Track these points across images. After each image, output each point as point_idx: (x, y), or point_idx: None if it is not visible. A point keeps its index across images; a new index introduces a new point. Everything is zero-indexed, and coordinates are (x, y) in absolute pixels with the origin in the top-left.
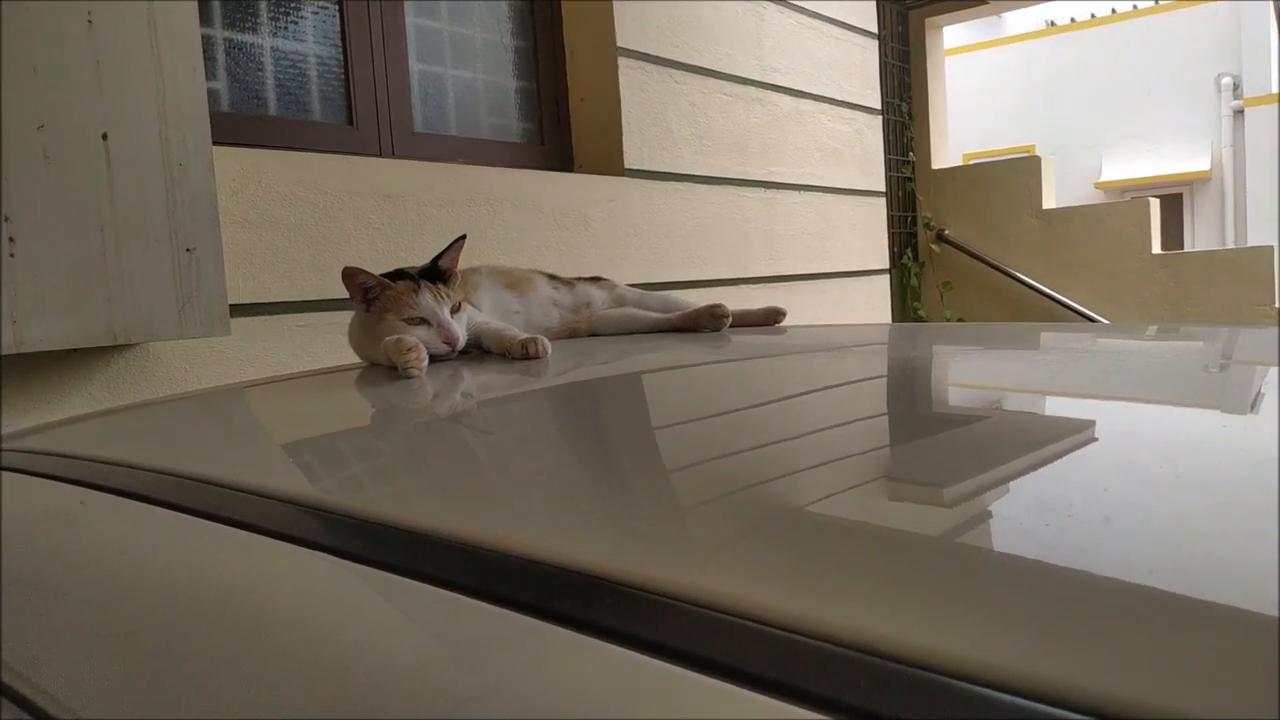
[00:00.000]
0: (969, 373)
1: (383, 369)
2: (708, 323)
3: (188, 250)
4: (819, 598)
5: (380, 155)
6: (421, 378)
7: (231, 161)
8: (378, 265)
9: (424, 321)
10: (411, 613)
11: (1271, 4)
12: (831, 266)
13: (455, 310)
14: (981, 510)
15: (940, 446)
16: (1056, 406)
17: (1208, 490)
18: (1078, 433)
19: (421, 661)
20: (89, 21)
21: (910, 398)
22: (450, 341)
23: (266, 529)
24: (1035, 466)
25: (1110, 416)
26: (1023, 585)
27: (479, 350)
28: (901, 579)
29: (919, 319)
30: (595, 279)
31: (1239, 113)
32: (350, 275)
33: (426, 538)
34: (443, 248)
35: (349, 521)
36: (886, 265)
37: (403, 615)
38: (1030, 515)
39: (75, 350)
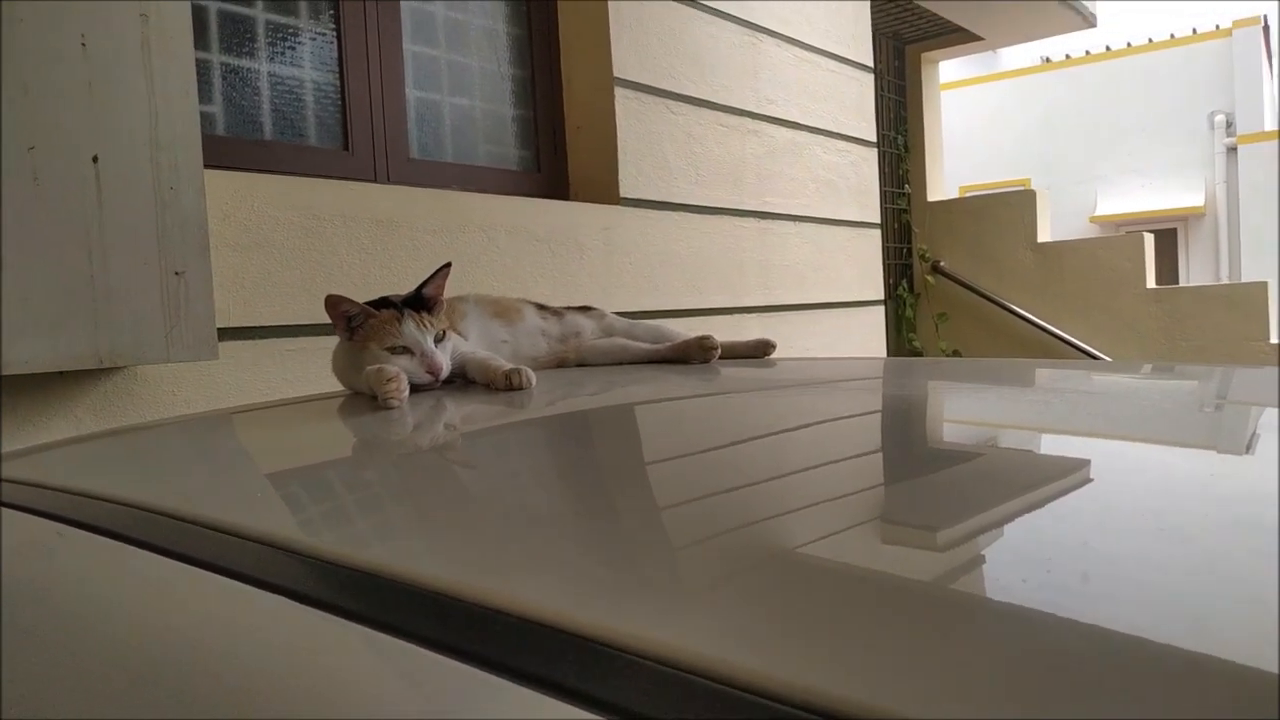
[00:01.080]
0: (953, 412)
1: (365, 398)
2: (696, 354)
3: (176, 274)
4: (795, 660)
5: (375, 181)
6: (401, 409)
7: (224, 185)
8: (371, 291)
9: (407, 350)
10: (372, 663)
11: (1263, 44)
12: (826, 297)
13: (440, 339)
14: (958, 565)
15: (919, 494)
16: (1039, 451)
17: (1189, 542)
18: (1061, 479)
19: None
20: (82, 44)
21: (891, 439)
22: (433, 371)
23: (221, 566)
24: (1014, 516)
25: (1096, 462)
26: (1005, 649)
27: (464, 380)
28: (873, 642)
29: (914, 350)
30: (584, 308)
31: (1232, 149)
32: (333, 303)
33: (385, 582)
34: (428, 275)
35: (306, 562)
36: (881, 296)
37: (361, 664)
38: (1008, 570)
39: (62, 373)
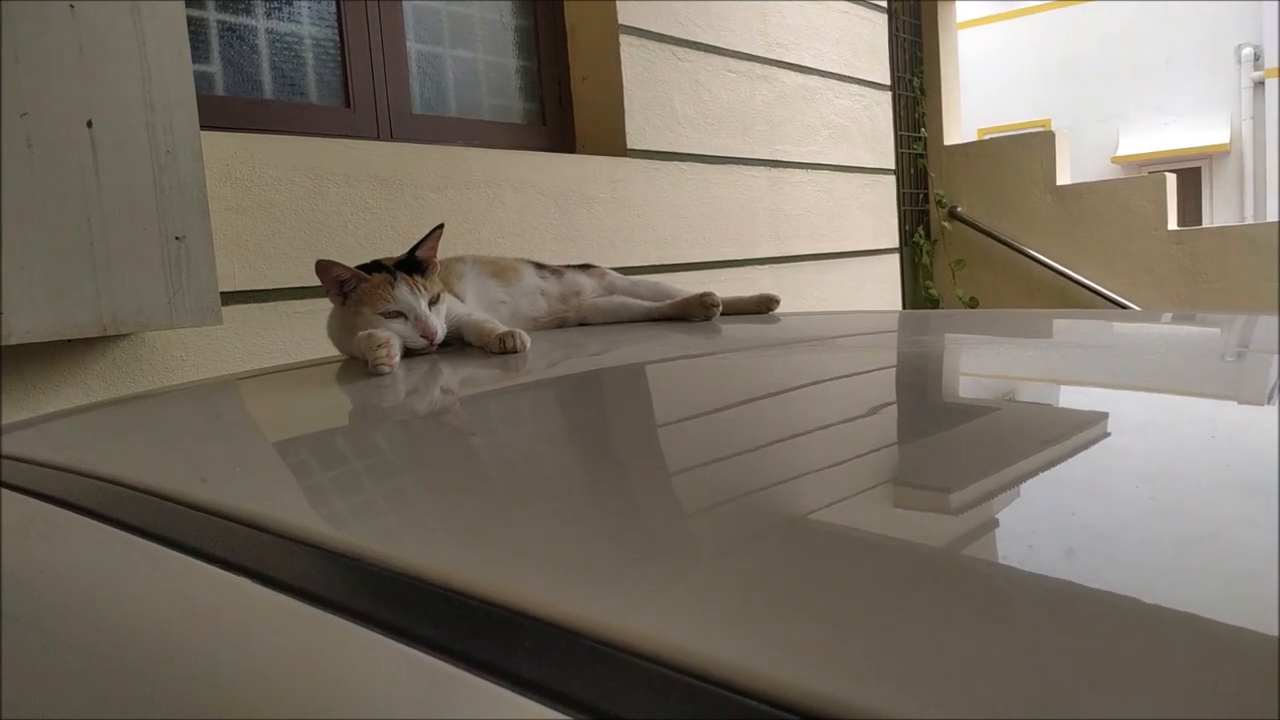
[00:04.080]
0: (945, 372)
1: (359, 363)
2: (697, 312)
3: (177, 238)
4: (771, 653)
5: (378, 138)
6: (393, 374)
7: (223, 146)
8: (376, 251)
9: (401, 315)
10: (328, 649)
11: None
12: (840, 246)
13: (434, 302)
14: (942, 543)
15: (902, 462)
16: (1056, 404)
17: (1184, 518)
18: (1078, 434)
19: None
20: (71, 6)
21: (882, 403)
22: (428, 335)
23: (185, 544)
24: (999, 490)
25: (1114, 415)
26: (999, 644)
27: (461, 342)
28: (849, 632)
29: (931, 298)
30: (585, 266)
31: (1259, 84)
32: (324, 268)
33: (350, 562)
34: (420, 238)
35: (274, 542)
36: (896, 244)
37: (315, 649)
38: (986, 546)
39: (70, 341)
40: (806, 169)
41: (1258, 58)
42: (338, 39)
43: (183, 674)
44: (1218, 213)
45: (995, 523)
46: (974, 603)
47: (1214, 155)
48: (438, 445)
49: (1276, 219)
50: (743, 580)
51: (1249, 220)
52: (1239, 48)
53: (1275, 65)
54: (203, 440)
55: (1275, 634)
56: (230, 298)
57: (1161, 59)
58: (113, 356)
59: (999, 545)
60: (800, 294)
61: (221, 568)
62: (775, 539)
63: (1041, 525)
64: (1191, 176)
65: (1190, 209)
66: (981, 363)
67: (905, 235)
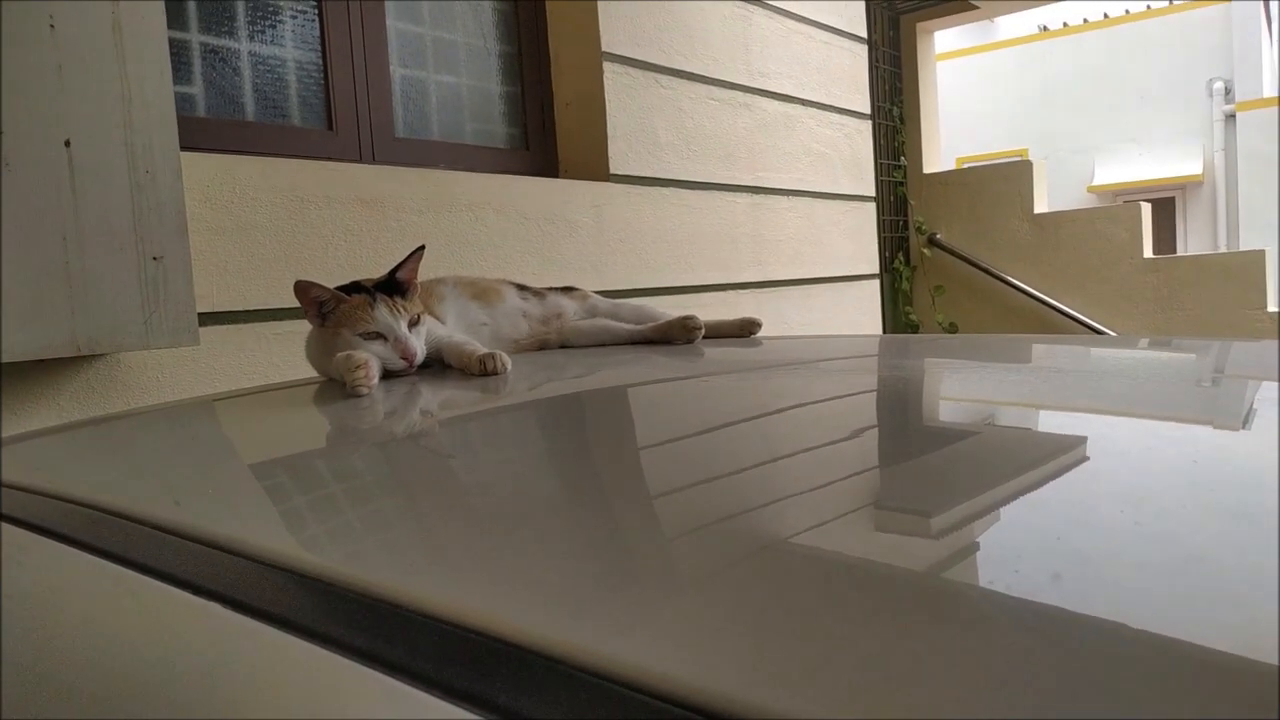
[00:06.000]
0: (946, 392)
1: (338, 385)
2: (679, 335)
3: (155, 259)
4: (753, 678)
5: (360, 161)
6: (371, 396)
7: (205, 167)
8: (357, 272)
9: (380, 336)
10: (301, 675)
11: (1263, 9)
12: (821, 272)
13: (414, 324)
14: (924, 570)
15: (886, 485)
16: (1035, 429)
17: (1170, 542)
18: (1057, 459)
19: None
20: (51, 25)
21: (863, 428)
22: (407, 357)
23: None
24: (981, 514)
25: (1092, 440)
26: (977, 671)
27: (441, 364)
28: (837, 660)
29: (911, 323)
30: (567, 289)
31: (1231, 117)
32: (303, 289)
33: (324, 586)
34: (401, 259)
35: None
36: (877, 270)
37: (288, 675)
38: (970, 571)
39: (43, 361)
40: (788, 195)
41: (1229, 91)
42: (321, 62)
43: (151, 702)
44: (1192, 241)
45: (978, 546)
46: (961, 628)
47: (1187, 186)
48: (415, 468)
49: (1248, 248)
50: (726, 606)
51: (1222, 249)
52: (1210, 81)
53: (1246, 99)
54: (176, 462)
55: (1273, 661)
56: (208, 318)
57: (1136, 92)
58: (87, 377)
59: (984, 570)
60: (782, 318)
61: (192, 592)
62: (759, 564)
63: (1027, 549)
64: (1166, 206)
65: (1165, 238)
66: (962, 387)
67: (885, 261)
